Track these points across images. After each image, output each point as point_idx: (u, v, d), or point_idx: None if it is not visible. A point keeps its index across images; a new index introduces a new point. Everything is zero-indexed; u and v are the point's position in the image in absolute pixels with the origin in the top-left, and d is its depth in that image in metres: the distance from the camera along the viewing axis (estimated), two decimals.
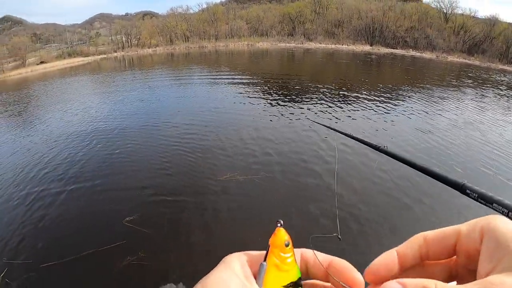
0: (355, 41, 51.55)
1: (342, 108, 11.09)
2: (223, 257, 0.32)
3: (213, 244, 4.32)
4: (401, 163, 1.01)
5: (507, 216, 0.43)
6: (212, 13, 60.96)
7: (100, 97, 16.24)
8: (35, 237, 4.69)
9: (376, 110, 10.85)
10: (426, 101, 12.70)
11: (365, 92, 13.89)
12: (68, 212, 5.41)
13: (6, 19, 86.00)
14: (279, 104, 11.62)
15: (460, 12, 54.92)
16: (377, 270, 0.31)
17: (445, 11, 55.51)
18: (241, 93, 14.15)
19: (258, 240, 3.73)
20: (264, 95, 13.50)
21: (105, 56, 54.30)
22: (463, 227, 0.29)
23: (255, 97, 13.09)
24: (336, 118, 9.79)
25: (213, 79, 19.44)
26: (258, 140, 7.87)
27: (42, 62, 52.19)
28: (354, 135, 1.56)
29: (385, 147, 1.18)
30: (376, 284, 0.31)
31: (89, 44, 63.70)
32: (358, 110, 10.86)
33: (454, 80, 20.87)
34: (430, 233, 0.31)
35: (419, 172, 0.89)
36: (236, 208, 5.21)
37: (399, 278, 0.29)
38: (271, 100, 12.43)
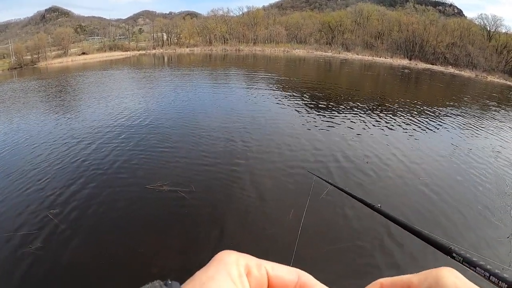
0: (393, 54, 51.27)
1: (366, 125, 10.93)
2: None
3: (121, 256, 4.46)
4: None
5: (488, 279, 0.47)
6: (253, 17, 62.09)
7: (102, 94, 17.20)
8: None
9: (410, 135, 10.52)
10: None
11: (399, 112, 13.71)
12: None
13: (54, 9, 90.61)
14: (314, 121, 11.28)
15: (504, 30, 53.58)
16: None
17: (488, 28, 54.15)
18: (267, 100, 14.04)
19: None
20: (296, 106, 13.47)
21: (144, 52, 56.58)
22: (415, 279, 0.29)
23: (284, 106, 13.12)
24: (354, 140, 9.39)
25: (249, 81, 19.91)
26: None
27: (83, 53, 55.04)
28: (350, 191, 1.67)
29: (379, 206, 1.26)
30: None
31: (130, 39, 66.28)
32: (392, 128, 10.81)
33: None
34: (386, 281, 0.31)
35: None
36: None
37: None
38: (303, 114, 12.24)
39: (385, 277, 0.32)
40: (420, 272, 0.30)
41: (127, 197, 5.95)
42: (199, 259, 4.42)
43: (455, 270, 0.29)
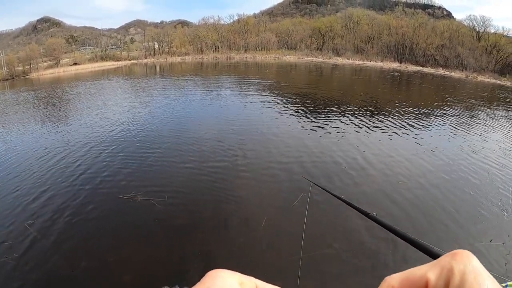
0: (383, 58, 51.68)
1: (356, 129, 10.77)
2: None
3: (95, 265, 4.48)
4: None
5: None
6: (243, 24, 62.44)
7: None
8: None
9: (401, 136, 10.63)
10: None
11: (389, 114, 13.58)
12: None
13: (45, 19, 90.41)
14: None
15: (493, 30, 54.25)
16: None
17: (477, 29, 54.82)
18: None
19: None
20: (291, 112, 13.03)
21: (136, 61, 56.44)
22: (431, 276, 0.28)
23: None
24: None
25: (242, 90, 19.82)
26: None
27: (75, 64, 54.80)
28: (345, 198, 1.68)
29: (374, 214, 1.26)
30: None
31: (122, 49, 66.20)
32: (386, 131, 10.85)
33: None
34: (395, 280, 0.30)
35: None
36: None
37: None
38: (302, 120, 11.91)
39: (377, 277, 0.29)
40: (435, 264, 0.28)
41: (101, 207, 5.93)
42: (172, 267, 4.44)
43: (471, 254, 0.28)
